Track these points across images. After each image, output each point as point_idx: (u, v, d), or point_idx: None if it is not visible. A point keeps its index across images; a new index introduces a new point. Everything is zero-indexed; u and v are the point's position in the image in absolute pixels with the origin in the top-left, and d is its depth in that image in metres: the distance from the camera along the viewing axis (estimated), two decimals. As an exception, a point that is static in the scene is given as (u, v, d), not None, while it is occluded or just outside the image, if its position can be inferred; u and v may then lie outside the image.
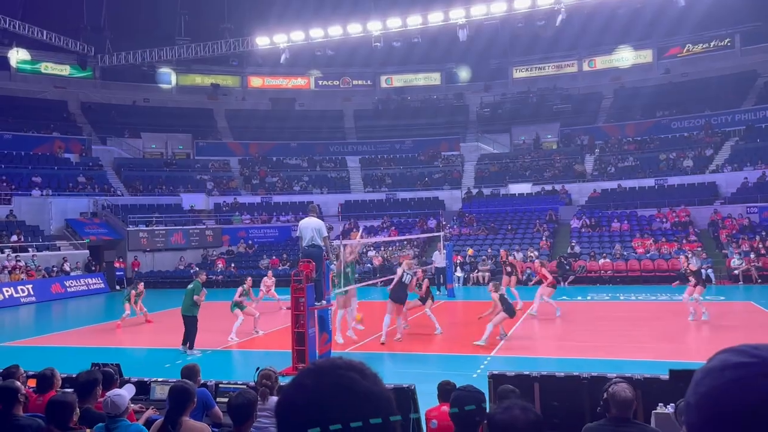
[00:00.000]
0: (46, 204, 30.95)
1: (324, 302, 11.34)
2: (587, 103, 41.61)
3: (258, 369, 5.81)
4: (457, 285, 24.80)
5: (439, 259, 22.38)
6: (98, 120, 40.04)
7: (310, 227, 11.35)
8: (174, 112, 42.30)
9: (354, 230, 27.06)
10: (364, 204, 35.88)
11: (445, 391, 5.06)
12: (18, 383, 4.57)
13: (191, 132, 41.14)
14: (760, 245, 23.59)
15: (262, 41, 35.42)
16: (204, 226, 32.63)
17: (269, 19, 35.32)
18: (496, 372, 6.59)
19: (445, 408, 4.89)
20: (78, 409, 3.82)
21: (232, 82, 46.13)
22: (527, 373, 6.46)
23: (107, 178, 35.86)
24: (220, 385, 6.52)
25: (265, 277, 19.28)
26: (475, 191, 35.70)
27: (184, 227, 31.77)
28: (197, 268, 17.30)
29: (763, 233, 24.74)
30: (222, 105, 44.68)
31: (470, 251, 27.95)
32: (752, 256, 22.90)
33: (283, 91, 45.92)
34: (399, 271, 13.73)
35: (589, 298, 19.42)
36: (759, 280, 21.90)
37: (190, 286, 12.93)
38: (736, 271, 22.47)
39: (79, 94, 41.11)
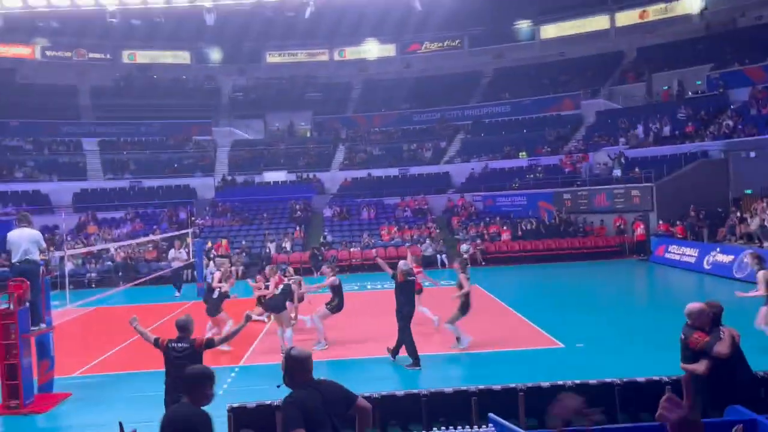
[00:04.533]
0: None
1: (43, 326, 9.85)
2: (338, 92, 42.90)
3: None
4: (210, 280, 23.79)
5: (180, 257, 20.99)
6: None
7: (23, 239, 9.72)
8: None
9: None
10: (103, 193, 32.55)
11: None
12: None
13: None
14: (484, 231, 26.75)
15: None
16: None
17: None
18: (236, 405, 6.26)
19: None
20: None
21: (-72, 46, 38.21)
22: (268, 403, 6.22)
23: None
24: None
25: None
26: (229, 178, 34.67)
27: None
28: None
29: (487, 219, 28.11)
30: None
31: (224, 243, 27.05)
32: (478, 241, 25.84)
33: (-1, 60, 39.37)
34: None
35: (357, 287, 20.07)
36: (483, 263, 24.81)
37: None
38: (465, 255, 25.13)
39: None
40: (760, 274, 10.07)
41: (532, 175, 30.39)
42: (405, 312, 10.55)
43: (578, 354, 10.86)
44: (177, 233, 23.47)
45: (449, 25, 40.72)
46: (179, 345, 6.34)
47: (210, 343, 6.56)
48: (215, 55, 43.69)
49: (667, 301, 16.70)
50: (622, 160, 27.87)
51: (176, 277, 20.23)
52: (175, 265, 20.46)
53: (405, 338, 10.48)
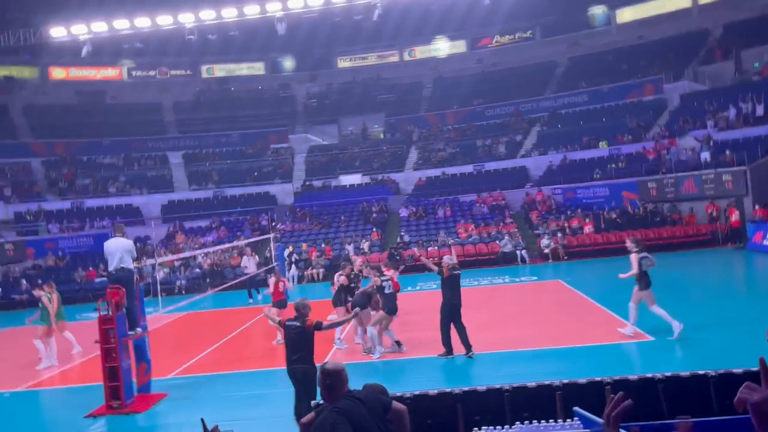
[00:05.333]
0: None
1: (139, 330, 10.41)
2: (409, 92, 43.01)
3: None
4: (291, 283, 24.42)
5: (250, 264, 21.62)
6: None
7: (118, 248, 10.35)
8: (-42, 109, 36.92)
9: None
10: (189, 203, 34.05)
11: None
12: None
13: (-19, 131, 36.16)
14: (565, 224, 26.02)
15: (57, 32, 31.94)
16: (2, 240, 29.01)
17: (66, 8, 31.80)
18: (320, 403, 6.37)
19: None
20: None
21: (30, 74, 41.28)
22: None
23: None
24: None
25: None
26: (307, 184, 35.46)
27: (-24, 243, 27.96)
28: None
29: (568, 212, 27.33)
30: (18, 99, 39.82)
31: (305, 246, 27.68)
32: (558, 235, 25.15)
33: (91, 83, 41.97)
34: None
35: (418, 287, 20.04)
36: (565, 257, 24.14)
37: None
38: (546, 250, 24.56)
39: None
40: (632, 256, 11.06)
41: (613, 165, 29.28)
42: (451, 304, 10.77)
43: (670, 347, 10.38)
44: (258, 238, 24.20)
45: (520, 16, 39.99)
46: (293, 324, 7.21)
47: (318, 326, 7.25)
48: (288, 63, 44.85)
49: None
50: (711, 144, 26.39)
51: (251, 284, 20.98)
52: (248, 272, 21.19)
53: (443, 328, 10.81)
